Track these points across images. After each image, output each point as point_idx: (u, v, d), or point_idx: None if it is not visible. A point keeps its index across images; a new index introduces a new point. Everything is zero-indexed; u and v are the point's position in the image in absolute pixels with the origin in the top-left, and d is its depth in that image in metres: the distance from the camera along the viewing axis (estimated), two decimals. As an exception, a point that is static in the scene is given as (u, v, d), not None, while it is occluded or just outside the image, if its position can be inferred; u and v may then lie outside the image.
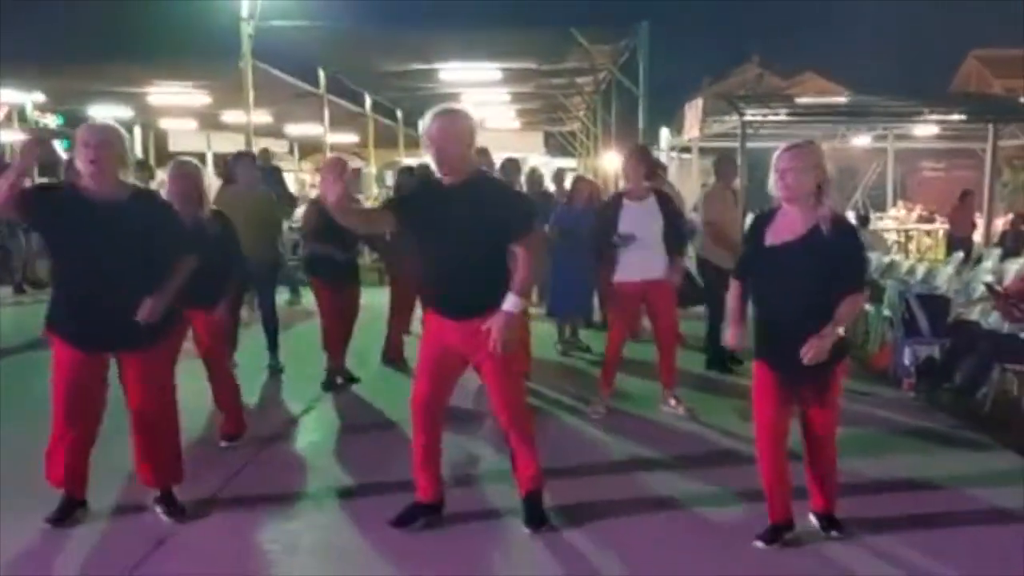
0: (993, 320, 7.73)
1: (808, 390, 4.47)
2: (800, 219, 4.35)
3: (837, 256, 4.31)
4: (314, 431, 6.73)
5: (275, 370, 8.27)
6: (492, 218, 4.47)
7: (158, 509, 4.84)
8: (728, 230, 8.41)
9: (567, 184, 11.60)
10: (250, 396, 7.08)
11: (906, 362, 7.84)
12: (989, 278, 8.49)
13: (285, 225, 18.79)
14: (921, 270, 10.75)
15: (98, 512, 4.86)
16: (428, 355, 4.71)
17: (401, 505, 4.78)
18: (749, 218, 18.59)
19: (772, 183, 4.40)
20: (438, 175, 4.61)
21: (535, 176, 11.90)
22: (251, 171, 8.53)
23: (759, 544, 4.52)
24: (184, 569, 4.37)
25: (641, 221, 6.89)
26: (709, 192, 8.87)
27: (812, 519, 4.70)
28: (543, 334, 9.26)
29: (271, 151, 12.80)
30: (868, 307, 9.83)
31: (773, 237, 4.44)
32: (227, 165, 12.06)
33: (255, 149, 15.17)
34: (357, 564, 4.39)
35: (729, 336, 4.80)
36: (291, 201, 15.65)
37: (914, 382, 7.58)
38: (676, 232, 7.11)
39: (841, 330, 4.30)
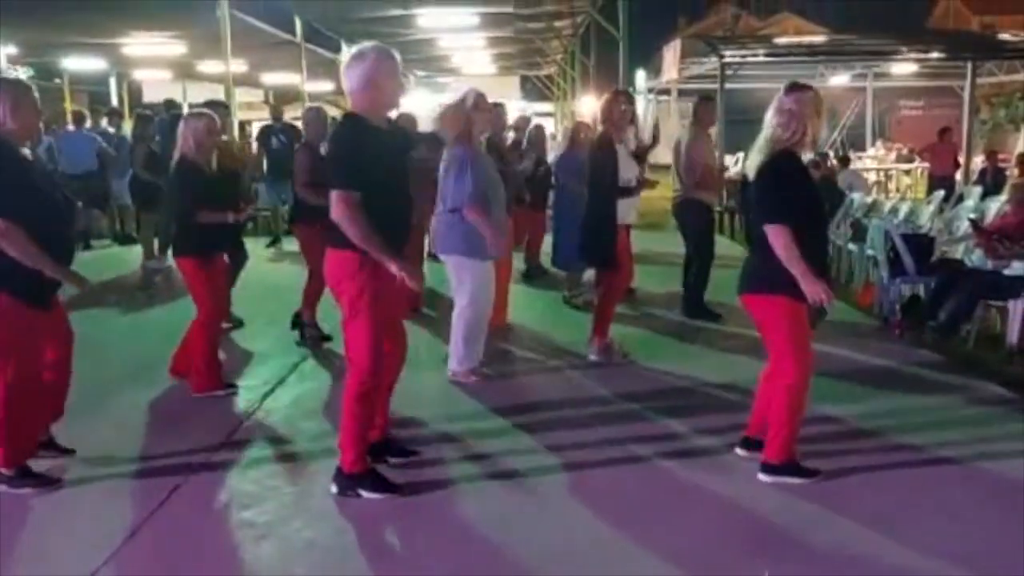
0: (976, 258, 7.81)
1: None
2: None
3: None
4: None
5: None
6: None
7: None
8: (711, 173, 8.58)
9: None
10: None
11: (892, 301, 7.94)
12: (972, 216, 8.57)
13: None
14: (903, 209, 10.83)
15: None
16: (385, 311, 4.44)
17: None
18: (730, 159, 18.30)
19: (815, 130, 4.54)
20: (374, 120, 4.36)
21: (538, 136, 10.58)
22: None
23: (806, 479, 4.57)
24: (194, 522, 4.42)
25: (628, 165, 6.96)
26: (695, 136, 8.76)
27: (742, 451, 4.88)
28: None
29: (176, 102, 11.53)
30: (852, 246, 9.94)
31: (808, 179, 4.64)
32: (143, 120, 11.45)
33: (235, 99, 15.02)
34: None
35: (825, 293, 4.28)
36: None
37: (900, 320, 7.69)
38: None
39: None
